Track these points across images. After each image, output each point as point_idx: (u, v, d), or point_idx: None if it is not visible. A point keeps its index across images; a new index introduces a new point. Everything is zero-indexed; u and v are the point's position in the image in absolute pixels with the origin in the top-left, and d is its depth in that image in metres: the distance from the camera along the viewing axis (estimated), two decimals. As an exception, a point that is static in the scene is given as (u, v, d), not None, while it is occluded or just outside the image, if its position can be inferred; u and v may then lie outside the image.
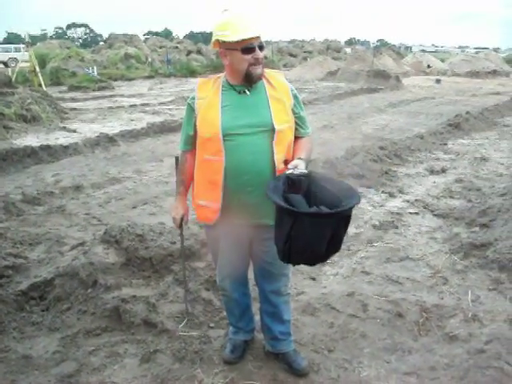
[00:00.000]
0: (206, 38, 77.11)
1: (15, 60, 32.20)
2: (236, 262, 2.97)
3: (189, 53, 43.83)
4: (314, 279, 4.34)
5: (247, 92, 2.64)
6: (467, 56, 40.45)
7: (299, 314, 3.73)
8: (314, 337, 3.47)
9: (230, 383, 3.02)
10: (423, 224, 5.66)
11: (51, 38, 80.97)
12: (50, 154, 8.86)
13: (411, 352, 3.32)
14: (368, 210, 6.03)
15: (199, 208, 2.80)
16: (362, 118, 13.82)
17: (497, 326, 3.51)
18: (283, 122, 2.65)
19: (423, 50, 61.42)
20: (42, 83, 19.12)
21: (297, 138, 2.79)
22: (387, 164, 8.06)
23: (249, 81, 2.60)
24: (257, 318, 3.33)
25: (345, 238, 2.50)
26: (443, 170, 7.94)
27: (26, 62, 21.97)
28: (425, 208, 6.17)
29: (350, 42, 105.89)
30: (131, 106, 15.99)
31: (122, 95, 19.61)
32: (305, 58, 44.03)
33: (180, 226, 3.05)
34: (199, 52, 44.80)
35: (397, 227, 5.55)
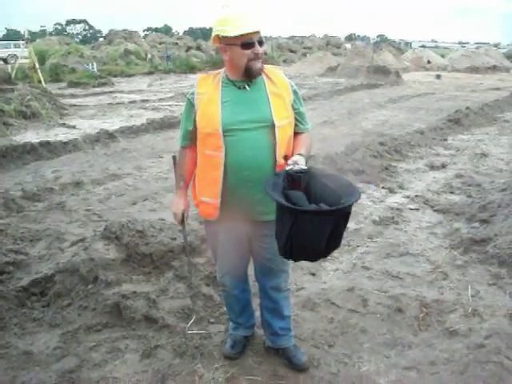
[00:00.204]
0: (205, 34, 77.07)
1: (15, 56, 32.09)
2: (236, 259, 2.97)
3: (188, 49, 43.77)
4: (313, 275, 4.35)
5: (247, 87, 2.64)
6: (467, 51, 40.42)
7: (299, 309, 3.74)
8: (314, 332, 3.48)
9: (230, 378, 3.03)
10: (423, 219, 5.66)
11: (50, 34, 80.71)
12: (49, 150, 8.86)
13: (411, 347, 3.33)
14: (368, 206, 6.03)
15: (202, 204, 2.79)
16: (361, 114, 13.81)
17: (496, 321, 3.52)
18: (283, 118, 2.65)
19: (423, 46, 61.41)
20: (42, 80, 19.11)
21: (296, 133, 2.79)
22: (387, 160, 8.06)
23: (248, 76, 2.60)
24: (257, 313, 3.34)
25: (345, 233, 2.51)
26: (443, 166, 7.94)
27: (25, 58, 21.93)
28: (425, 203, 6.17)
29: (350, 38, 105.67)
30: (131, 102, 15.99)
31: (121, 91, 19.58)
32: (304, 54, 43.93)
33: (182, 222, 3.00)
34: (199, 48, 44.74)
35: (397, 223, 5.55)
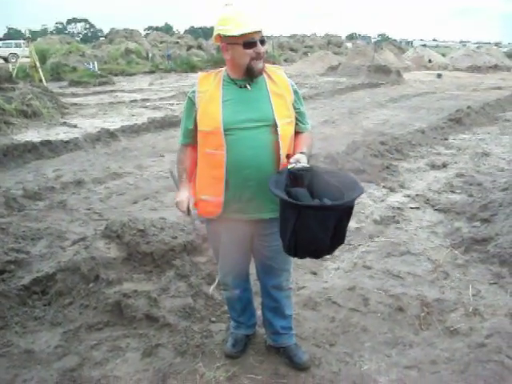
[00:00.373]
0: (206, 33, 77.06)
1: (16, 55, 32.15)
2: (238, 258, 2.97)
3: (189, 48, 43.78)
4: (315, 274, 4.35)
5: (248, 87, 2.64)
6: (468, 50, 40.36)
7: (300, 308, 3.74)
8: (315, 331, 3.48)
9: (231, 377, 3.03)
10: (424, 219, 5.66)
11: (51, 33, 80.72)
12: (50, 149, 8.86)
13: (412, 346, 3.33)
14: (369, 205, 6.03)
15: (201, 202, 2.79)
16: (362, 113, 13.81)
17: (497, 320, 3.52)
18: (284, 117, 2.65)
19: (424, 45, 61.22)
20: (43, 78, 19.12)
21: (297, 133, 2.80)
22: (388, 159, 8.06)
23: (250, 75, 2.60)
24: (258, 312, 3.34)
25: (347, 227, 2.52)
26: (444, 165, 7.93)
27: (26, 57, 21.94)
28: (426, 203, 6.17)
29: (351, 37, 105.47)
30: (132, 101, 15.98)
31: (122, 90, 19.60)
32: (305, 53, 43.93)
33: (188, 210, 2.82)
34: (200, 47, 44.76)
35: (398, 222, 5.55)
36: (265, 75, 2.68)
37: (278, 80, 2.72)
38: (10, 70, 19.67)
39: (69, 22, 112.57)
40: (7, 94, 12.39)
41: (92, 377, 3.04)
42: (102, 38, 55.93)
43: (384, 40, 69.45)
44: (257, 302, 3.35)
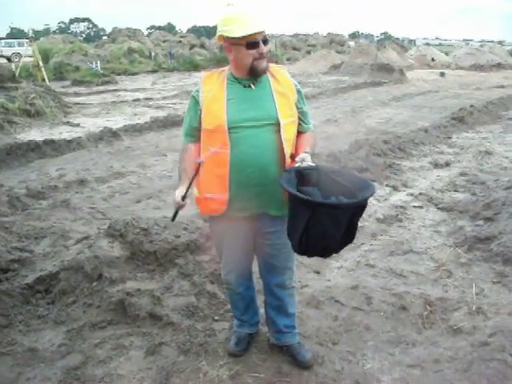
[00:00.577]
0: (209, 32, 76.95)
1: (19, 55, 32.20)
2: (241, 257, 2.98)
3: (192, 47, 43.76)
4: (318, 272, 4.35)
5: (252, 86, 2.65)
6: (471, 49, 40.18)
7: (303, 306, 3.75)
8: (318, 329, 3.48)
9: (234, 375, 3.03)
10: (427, 217, 5.66)
11: (54, 32, 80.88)
12: (53, 148, 8.88)
13: (415, 345, 3.33)
14: (372, 204, 6.02)
15: (205, 200, 2.79)
16: (365, 112, 13.79)
17: (501, 319, 3.51)
18: (287, 116, 2.66)
19: (427, 44, 61.16)
20: (46, 78, 19.14)
21: (299, 132, 2.81)
22: (391, 158, 8.05)
23: (253, 75, 2.61)
24: (261, 310, 3.34)
25: (358, 226, 2.54)
26: (447, 164, 7.92)
27: (29, 56, 21.96)
28: (429, 201, 6.16)
29: (354, 36, 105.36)
30: (135, 100, 15.99)
31: (125, 90, 19.60)
32: (308, 52, 43.90)
33: (180, 203, 2.72)
34: (202, 46, 44.75)
35: (401, 221, 5.55)
36: (268, 74, 2.69)
37: (282, 79, 2.72)
38: (13, 69, 19.69)
39: (71, 21, 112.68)
40: (10, 94, 12.44)
41: (95, 375, 3.05)
42: (104, 38, 55.93)
43: (387, 39, 69.21)
44: (260, 300, 3.36)
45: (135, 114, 13.27)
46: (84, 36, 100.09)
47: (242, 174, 2.63)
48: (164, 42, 45.62)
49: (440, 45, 79.47)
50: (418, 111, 13.95)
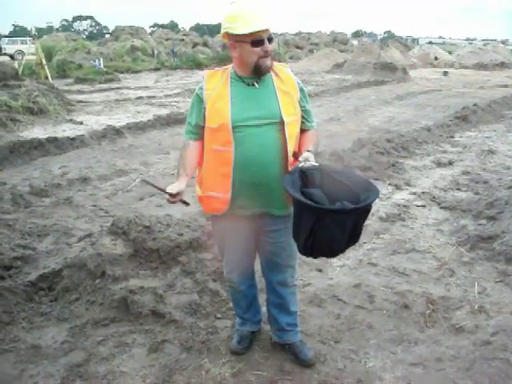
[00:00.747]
0: (211, 30, 76.99)
1: (22, 53, 32.24)
2: (243, 255, 2.98)
3: (195, 45, 43.72)
4: (320, 271, 4.36)
5: (256, 84, 2.65)
6: (475, 48, 40.06)
7: (306, 305, 3.75)
8: (320, 328, 3.49)
9: (237, 373, 3.04)
10: (430, 216, 5.66)
11: (57, 30, 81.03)
12: (56, 146, 8.89)
13: (417, 343, 3.33)
14: (375, 202, 5.96)
15: (208, 199, 2.79)
16: (368, 111, 13.78)
17: (503, 318, 3.51)
18: (291, 115, 2.66)
19: (430, 42, 61.01)
20: (49, 76, 19.16)
21: (303, 131, 2.81)
22: (394, 156, 8.04)
23: (258, 73, 2.60)
24: (264, 309, 3.35)
25: (363, 227, 2.54)
26: (450, 163, 7.91)
27: (32, 54, 21.97)
28: (432, 200, 6.16)
29: (357, 34, 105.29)
30: (137, 98, 15.99)
31: (128, 87, 19.60)
32: (311, 51, 43.80)
33: (172, 201, 2.69)
34: (205, 44, 44.70)
35: (403, 219, 5.55)
36: (272, 73, 2.68)
37: (285, 78, 2.72)
38: (16, 67, 19.68)
39: (74, 19, 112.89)
40: (13, 91, 12.43)
41: (98, 372, 3.06)
42: (107, 36, 55.90)
43: (390, 37, 69.09)
44: (262, 298, 3.37)
45: (138, 112, 13.28)
46: (87, 34, 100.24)
47: (245, 173, 2.63)
48: (167, 40, 45.55)
49: (443, 44, 79.34)
50: (421, 110, 13.93)
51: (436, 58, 36.45)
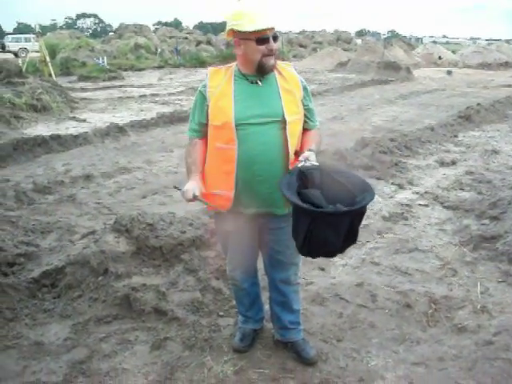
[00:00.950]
0: (215, 28, 76.95)
1: (25, 50, 32.27)
2: (246, 253, 2.98)
3: (198, 43, 43.66)
4: (323, 269, 4.36)
5: (259, 82, 2.65)
6: (479, 47, 39.92)
7: (308, 303, 3.75)
8: (322, 326, 3.49)
9: (239, 371, 3.04)
10: (433, 216, 5.65)
11: (61, 28, 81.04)
12: (60, 143, 8.91)
13: (419, 342, 3.33)
14: (378, 202, 6.01)
15: (211, 196, 2.79)
16: (372, 110, 13.76)
17: (505, 318, 3.51)
18: (293, 114, 2.66)
19: (434, 42, 60.88)
20: (52, 73, 19.16)
21: (305, 130, 2.81)
22: (397, 156, 8.03)
23: (261, 71, 2.60)
24: (266, 307, 3.35)
25: (359, 228, 2.53)
26: (453, 162, 7.90)
27: (36, 52, 21.99)
28: (435, 200, 6.15)
29: (361, 33, 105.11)
30: (141, 96, 16.02)
31: (131, 85, 19.62)
32: (315, 49, 43.72)
33: (192, 200, 2.66)
34: (209, 43, 44.63)
35: (406, 219, 5.54)
36: (275, 71, 2.68)
37: (288, 76, 2.72)
38: (20, 64, 19.69)
39: (78, 17, 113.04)
40: (17, 89, 12.46)
41: (101, 369, 3.07)
42: (111, 33, 55.95)
43: (394, 37, 68.90)
44: (265, 296, 3.37)
45: (141, 110, 13.29)
46: (91, 31, 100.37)
47: (248, 171, 2.64)
48: (170, 38, 45.49)
49: (447, 43, 79.09)
50: (424, 109, 13.90)
51: (440, 58, 36.36)
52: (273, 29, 2.51)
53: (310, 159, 2.53)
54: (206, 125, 2.72)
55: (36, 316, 3.60)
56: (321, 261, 4.37)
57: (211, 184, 2.77)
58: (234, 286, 3.21)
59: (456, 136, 10.00)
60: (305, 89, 2.77)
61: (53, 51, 27.24)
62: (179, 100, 15.17)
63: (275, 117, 2.62)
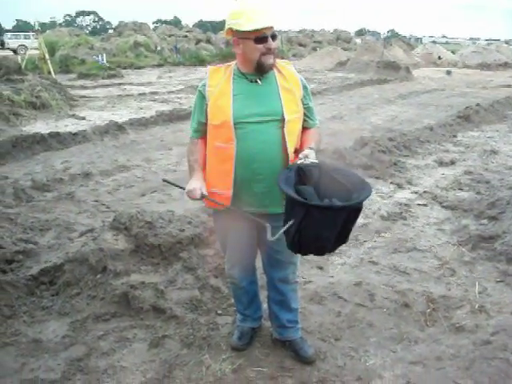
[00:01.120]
0: (215, 27, 76.95)
1: (25, 47, 32.25)
2: (245, 251, 2.99)
3: (198, 42, 43.61)
4: (321, 268, 4.36)
5: (258, 81, 2.65)
6: (478, 48, 39.94)
7: (306, 302, 3.76)
8: (321, 325, 3.49)
9: (237, 369, 3.05)
10: (431, 215, 5.66)
11: (60, 25, 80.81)
12: (59, 141, 8.90)
13: (417, 342, 3.33)
14: (376, 201, 6.02)
15: (210, 195, 2.79)
16: (371, 109, 13.76)
17: (503, 318, 3.52)
18: (293, 113, 2.66)
19: (434, 41, 60.93)
20: (52, 70, 19.13)
21: (305, 128, 2.81)
22: (396, 155, 8.04)
23: (260, 70, 2.60)
24: (264, 305, 3.36)
25: (353, 228, 2.52)
26: (452, 162, 7.91)
27: (35, 49, 21.98)
28: (433, 199, 6.16)
29: (360, 33, 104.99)
30: (140, 94, 16.00)
31: (131, 83, 19.59)
32: (314, 48, 43.70)
33: (200, 198, 2.71)
34: (208, 41, 44.57)
35: (405, 218, 5.55)
36: (275, 70, 2.68)
37: (288, 75, 2.72)
38: (19, 61, 19.68)
39: (78, 14, 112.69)
40: (16, 86, 12.46)
41: (99, 367, 3.07)
42: (110, 31, 55.84)
43: (393, 36, 68.94)
44: (263, 295, 3.37)
45: (141, 108, 13.28)
46: (90, 29, 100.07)
47: (247, 170, 2.64)
48: (170, 36, 45.43)
49: (447, 43, 79.11)
50: (423, 109, 13.91)
51: (439, 58, 36.36)
52: (271, 28, 2.51)
53: (309, 157, 2.53)
54: (206, 124, 2.72)
55: (34, 313, 3.60)
56: (319, 260, 4.38)
57: (210, 182, 2.78)
58: (232, 284, 3.21)
59: (455, 136, 10.01)
60: (305, 87, 2.77)
61: (52, 48, 27.23)
62: (178, 98, 15.16)
63: (274, 115, 2.62)
